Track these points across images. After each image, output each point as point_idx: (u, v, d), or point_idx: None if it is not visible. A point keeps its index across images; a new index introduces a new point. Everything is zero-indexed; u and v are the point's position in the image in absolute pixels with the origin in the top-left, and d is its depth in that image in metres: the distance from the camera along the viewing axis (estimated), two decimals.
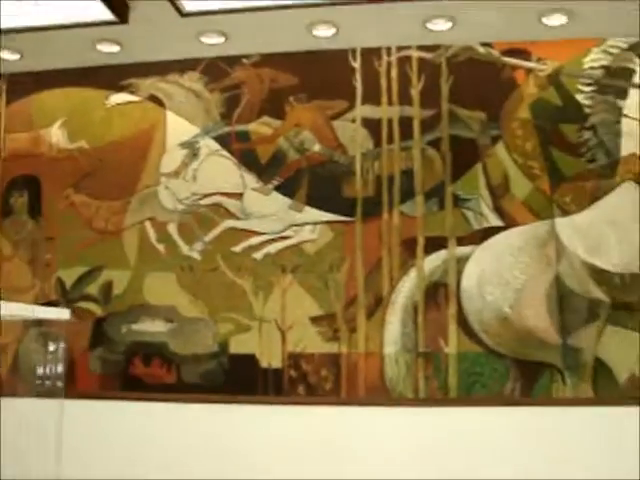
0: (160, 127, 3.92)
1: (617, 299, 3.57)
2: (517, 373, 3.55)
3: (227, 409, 3.59)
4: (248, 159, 3.92)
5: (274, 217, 3.73)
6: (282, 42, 3.68)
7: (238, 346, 3.68)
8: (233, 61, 3.89)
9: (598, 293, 3.55)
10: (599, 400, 3.54)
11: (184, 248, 3.80)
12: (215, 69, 3.91)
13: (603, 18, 3.40)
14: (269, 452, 3.55)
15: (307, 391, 3.62)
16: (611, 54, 3.73)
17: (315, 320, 3.64)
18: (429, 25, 3.45)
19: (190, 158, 3.85)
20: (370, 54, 3.83)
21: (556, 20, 3.40)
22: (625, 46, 3.74)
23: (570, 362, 3.56)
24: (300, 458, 3.52)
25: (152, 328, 3.75)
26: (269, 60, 3.97)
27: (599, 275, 3.57)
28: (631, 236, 3.58)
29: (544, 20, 3.37)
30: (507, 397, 3.53)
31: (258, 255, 3.72)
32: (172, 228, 3.82)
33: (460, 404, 3.54)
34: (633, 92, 3.73)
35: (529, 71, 3.75)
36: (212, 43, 3.65)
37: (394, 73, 3.80)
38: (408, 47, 3.81)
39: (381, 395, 3.71)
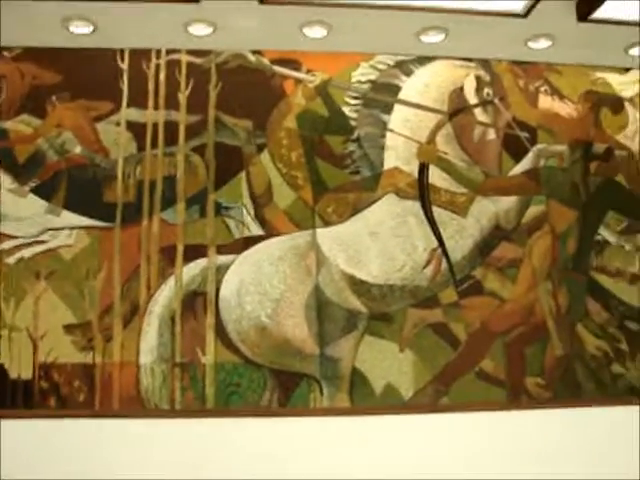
0: None
1: (375, 310, 3.80)
2: (275, 383, 3.70)
3: None
4: (5, 158, 4.02)
5: (30, 220, 3.75)
6: (41, 37, 3.83)
7: None
8: None
9: (357, 304, 3.74)
10: (355, 410, 3.64)
11: None
12: None
13: (365, 33, 3.60)
14: (12, 469, 3.45)
15: (59, 403, 3.59)
16: (379, 69, 4.01)
17: (69, 329, 3.64)
18: (190, 29, 3.51)
19: None
20: (139, 56, 3.95)
21: (317, 32, 3.56)
22: (392, 63, 4.03)
23: (327, 372, 3.74)
24: (51, 473, 3.44)
25: None
26: (31, 54, 4.04)
27: (358, 286, 3.78)
28: (391, 248, 3.80)
29: (305, 31, 3.53)
30: (264, 408, 3.59)
31: (10, 260, 3.68)
32: None
33: (217, 415, 3.61)
34: (398, 107, 3.91)
35: (298, 81, 3.94)
36: None
37: (162, 76, 3.87)
38: (178, 51, 3.93)
39: (136, 406, 3.71)
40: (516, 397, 3.94)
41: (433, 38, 3.79)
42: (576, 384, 4.03)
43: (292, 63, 4.08)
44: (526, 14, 3.43)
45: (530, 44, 3.86)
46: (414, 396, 3.89)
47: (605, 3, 3.34)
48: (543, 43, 3.86)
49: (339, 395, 3.79)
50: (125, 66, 4.00)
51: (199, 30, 3.67)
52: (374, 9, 3.45)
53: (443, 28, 3.69)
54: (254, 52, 4.05)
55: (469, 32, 3.70)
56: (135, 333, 3.79)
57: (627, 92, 4.41)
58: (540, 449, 3.92)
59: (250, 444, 3.70)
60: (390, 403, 3.84)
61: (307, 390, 3.79)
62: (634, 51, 3.95)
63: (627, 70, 4.43)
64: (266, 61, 4.05)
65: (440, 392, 3.88)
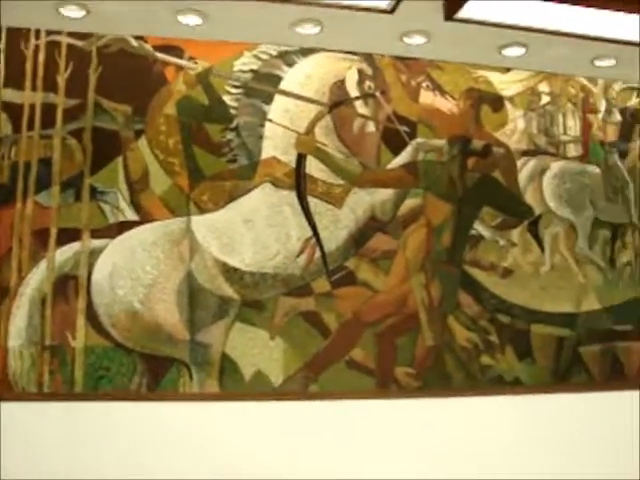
0: None
1: (247, 297, 3.98)
2: (145, 368, 3.87)
3: None
4: None
5: None
6: None
7: None
8: None
9: (229, 291, 3.92)
10: (225, 395, 3.81)
11: None
12: None
13: (240, 23, 4.04)
14: None
15: None
16: (261, 59, 4.16)
17: None
18: (62, 11, 3.62)
19: None
20: (17, 35, 3.97)
21: (190, 20, 3.68)
22: (275, 53, 4.18)
23: (198, 358, 3.91)
24: None
25: None
26: None
27: (231, 273, 3.96)
28: (265, 237, 3.97)
29: (180, 18, 3.65)
30: (133, 392, 3.71)
31: None
32: None
33: (85, 399, 3.73)
34: (278, 98, 4.07)
35: (180, 68, 4.05)
36: None
37: (41, 57, 3.95)
38: (59, 32, 3.97)
39: (5, 389, 3.90)
40: (385, 386, 4.16)
41: (308, 30, 3.95)
42: (445, 374, 4.26)
43: (174, 50, 4.25)
44: (392, 10, 3.59)
45: (406, 40, 4.02)
46: (284, 383, 4.09)
47: (468, 3, 3.50)
48: (418, 39, 4.03)
49: (209, 381, 3.96)
50: (2, 45, 4.07)
51: (73, 12, 3.75)
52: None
53: (317, 20, 3.85)
54: (136, 37, 4.13)
55: (343, 26, 3.87)
56: (4, 316, 3.90)
57: (508, 91, 4.67)
58: (408, 437, 4.11)
59: (118, 428, 3.82)
60: (260, 390, 3.99)
61: (177, 375, 3.96)
62: (508, 51, 4.13)
63: (508, 70, 4.61)
64: (148, 47, 4.20)
65: (310, 380, 4.07)
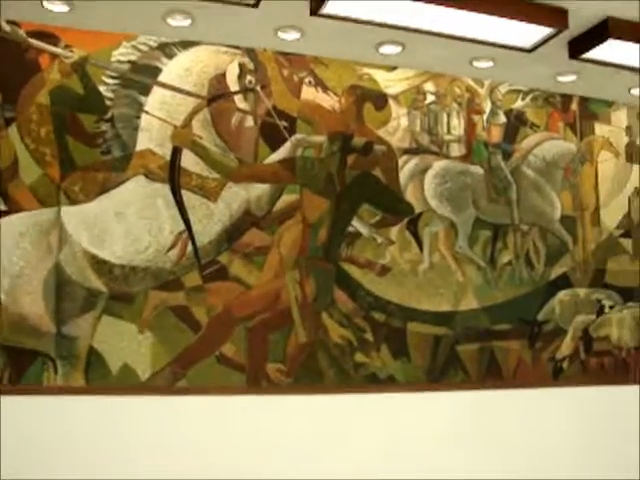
0: None
1: (116, 290, 4.01)
2: (7, 361, 3.83)
3: None
4: None
5: None
6: None
7: None
8: None
9: (97, 283, 3.96)
10: (90, 389, 3.86)
11: None
12: None
13: (109, 11, 4.04)
14: None
15: None
16: (140, 50, 4.19)
17: None
18: None
19: None
20: None
21: (56, 7, 3.75)
22: (155, 44, 4.24)
23: (63, 351, 3.99)
24: None
25: None
26: None
27: (100, 266, 4.05)
28: (136, 229, 4.03)
29: (45, 4, 3.69)
30: None
31: None
32: None
33: None
34: (156, 90, 4.14)
35: (55, 56, 4.05)
36: None
37: None
38: None
39: None
40: (256, 382, 4.27)
41: (180, 22, 4.03)
42: (318, 371, 4.39)
43: (50, 37, 4.25)
44: (256, 4, 3.70)
45: (280, 35, 4.13)
46: (151, 377, 4.15)
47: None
48: (293, 34, 4.15)
49: (74, 374, 4.03)
50: None
51: None
52: None
53: (188, 13, 3.93)
54: (9, 22, 4.15)
55: (214, 18, 3.97)
56: None
57: (392, 89, 4.81)
58: (279, 434, 4.21)
59: None
60: (127, 384, 4.04)
61: (41, 368, 4.03)
62: (384, 49, 4.27)
63: (394, 68, 4.75)
64: (22, 32, 4.18)
65: (178, 374, 4.16)
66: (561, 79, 4.66)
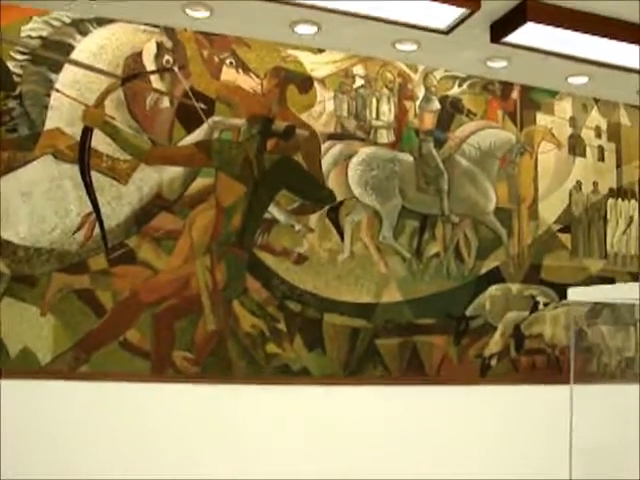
0: None
1: (18, 272, 4.02)
2: None
3: None
4: None
5: None
6: None
7: None
8: None
9: None
10: None
11: None
12: None
13: None
14: None
15: None
16: (52, 26, 4.20)
17: None
18: None
19: None
20: None
21: None
22: (68, 20, 4.25)
23: None
24: None
25: None
26: None
27: (3, 247, 4.07)
28: (42, 210, 4.05)
29: None
30: None
31: None
32: None
33: None
34: (68, 67, 4.15)
35: None
36: None
37: None
38: None
39: None
40: (161, 370, 4.27)
41: None
42: (227, 361, 4.39)
43: None
44: None
45: (189, 12, 4.14)
46: (52, 362, 4.14)
47: None
48: (202, 13, 4.16)
49: None
50: None
51: None
52: None
53: None
54: None
55: None
56: None
57: (319, 72, 4.78)
58: (183, 423, 4.22)
59: None
60: (26, 367, 4.06)
61: None
62: (299, 29, 4.26)
63: (322, 51, 4.73)
64: None
65: (80, 359, 4.15)
66: (491, 64, 4.61)
